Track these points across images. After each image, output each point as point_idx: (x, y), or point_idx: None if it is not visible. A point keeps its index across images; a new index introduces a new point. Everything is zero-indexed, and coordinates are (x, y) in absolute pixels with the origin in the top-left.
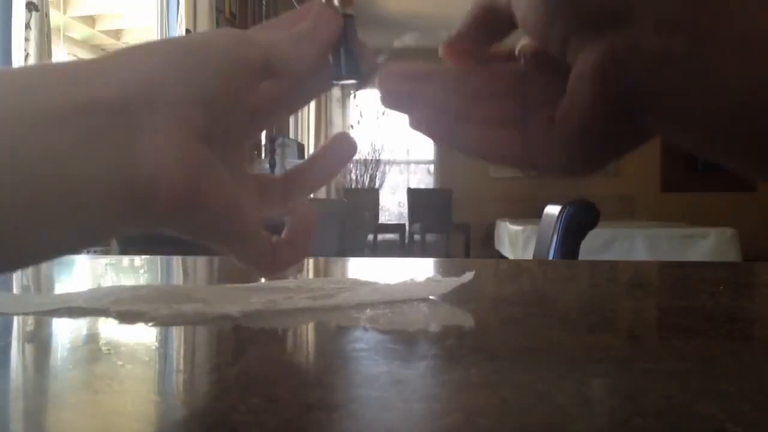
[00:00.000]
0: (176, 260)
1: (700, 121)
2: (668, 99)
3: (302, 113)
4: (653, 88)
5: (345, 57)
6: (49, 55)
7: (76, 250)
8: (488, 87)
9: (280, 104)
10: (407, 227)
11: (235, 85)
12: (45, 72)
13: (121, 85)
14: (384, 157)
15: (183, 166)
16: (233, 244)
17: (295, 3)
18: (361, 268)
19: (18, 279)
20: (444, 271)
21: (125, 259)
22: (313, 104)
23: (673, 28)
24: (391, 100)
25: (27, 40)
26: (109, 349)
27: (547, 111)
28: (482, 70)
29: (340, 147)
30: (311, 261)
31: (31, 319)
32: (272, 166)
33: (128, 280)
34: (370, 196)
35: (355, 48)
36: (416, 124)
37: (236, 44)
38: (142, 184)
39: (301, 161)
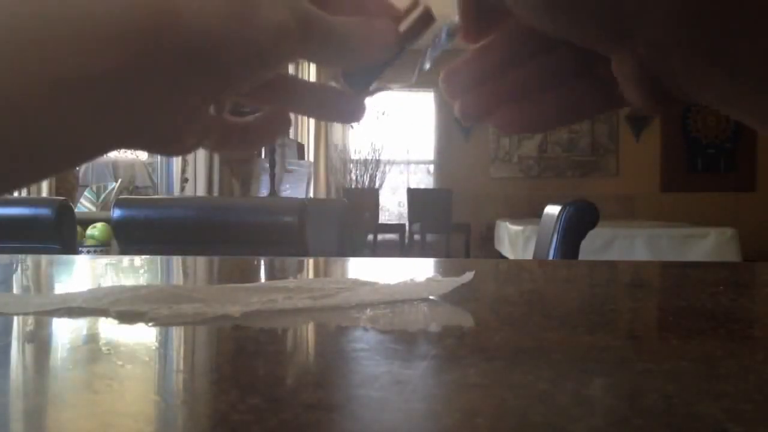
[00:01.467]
0: (176, 260)
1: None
2: (706, 73)
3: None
4: (690, 74)
5: (370, 72)
6: None
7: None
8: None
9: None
10: (407, 227)
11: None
12: None
13: None
14: (384, 157)
15: None
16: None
17: None
18: (361, 268)
19: (18, 279)
20: (444, 271)
21: (125, 259)
22: None
23: (674, 40)
24: (467, 112)
25: None
26: (109, 349)
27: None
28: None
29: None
30: (311, 261)
31: (31, 319)
32: (272, 166)
33: (128, 280)
34: (370, 196)
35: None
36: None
37: None
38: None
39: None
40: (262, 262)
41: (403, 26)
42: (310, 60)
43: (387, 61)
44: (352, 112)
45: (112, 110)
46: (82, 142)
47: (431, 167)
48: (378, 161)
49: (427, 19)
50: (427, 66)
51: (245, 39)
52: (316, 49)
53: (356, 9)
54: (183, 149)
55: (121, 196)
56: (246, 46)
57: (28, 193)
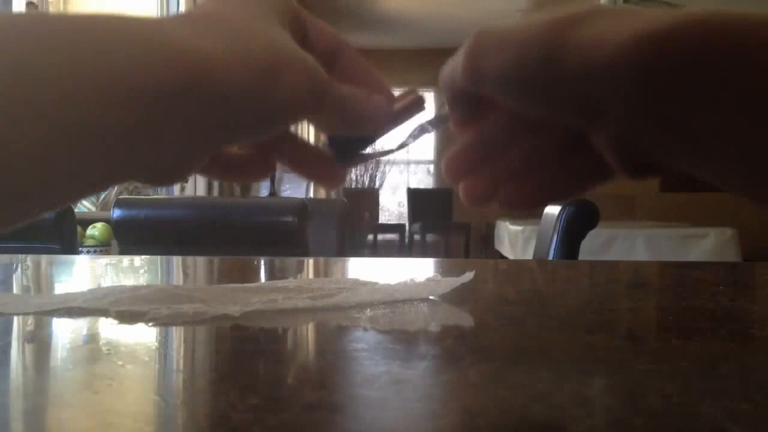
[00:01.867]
0: (176, 260)
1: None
2: (677, 137)
3: None
4: (658, 146)
5: (355, 144)
6: None
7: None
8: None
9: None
10: (407, 227)
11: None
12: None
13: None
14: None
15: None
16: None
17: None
18: (361, 268)
19: (18, 279)
20: (444, 271)
21: (125, 259)
22: None
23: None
24: (472, 195)
25: None
26: (109, 349)
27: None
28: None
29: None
30: (311, 261)
31: (31, 319)
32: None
33: (128, 280)
34: (370, 196)
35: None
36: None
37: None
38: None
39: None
40: (262, 262)
41: (397, 107)
42: (311, 120)
43: (374, 135)
44: (331, 179)
45: (129, 155)
46: (92, 180)
47: (431, 167)
48: (378, 161)
49: (419, 104)
50: (410, 142)
51: (268, 98)
52: (323, 112)
53: (360, 82)
54: (180, 180)
55: (121, 196)
56: (268, 104)
57: None
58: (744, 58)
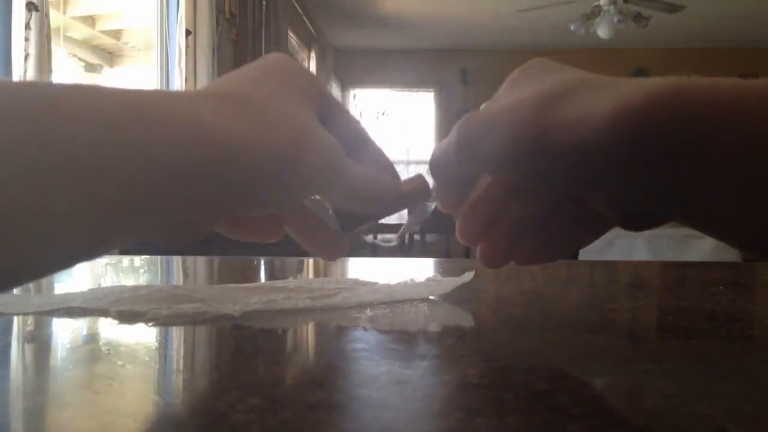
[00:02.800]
0: (176, 260)
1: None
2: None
3: None
4: (650, 206)
5: (362, 219)
6: (49, 54)
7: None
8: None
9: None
10: None
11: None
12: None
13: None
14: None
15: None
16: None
17: (295, 4)
18: (361, 268)
19: None
20: (444, 271)
21: (125, 259)
22: None
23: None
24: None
25: (27, 40)
26: (109, 349)
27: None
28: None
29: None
30: (311, 261)
31: (31, 319)
32: None
33: (128, 280)
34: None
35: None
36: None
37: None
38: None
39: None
40: (262, 262)
41: (405, 190)
42: (323, 196)
43: (379, 215)
44: (333, 250)
45: (146, 224)
46: (111, 244)
47: None
48: None
49: (425, 190)
50: (416, 228)
51: (289, 180)
52: (337, 192)
53: (372, 164)
54: (191, 242)
55: None
56: (287, 184)
57: None
58: (715, 126)
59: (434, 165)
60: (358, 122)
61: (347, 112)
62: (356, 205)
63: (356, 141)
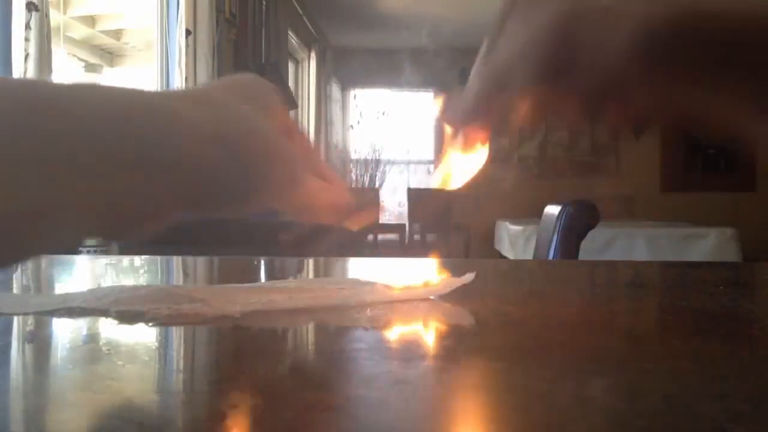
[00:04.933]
0: (176, 260)
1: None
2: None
3: (301, 113)
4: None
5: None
6: (49, 54)
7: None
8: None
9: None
10: (407, 227)
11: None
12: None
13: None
14: (384, 157)
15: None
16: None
17: (295, 4)
18: (361, 268)
19: (18, 279)
20: (444, 271)
21: (125, 259)
22: (312, 104)
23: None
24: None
25: (27, 40)
26: (109, 349)
27: None
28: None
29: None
30: (311, 261)
31: (31, 319)
32: None
33: (128, 280)
34: (370, 196)
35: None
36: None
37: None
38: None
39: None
40: (262, 262)
41: (354, 202)
42: (279, 207)
43: (326, 232)
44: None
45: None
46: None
47: (431, 167)
48: (378, 161)
49: (374, 217)
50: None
51: (244, 178)
52: (291, 202)
53: (323, 178)
54: (133, 239)
55: None
56: (242, 183)
57: None
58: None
59: (452, 113)
60: (311, 145)
61: (304, 133)
62: (306, 215)
63: (310, 161)
